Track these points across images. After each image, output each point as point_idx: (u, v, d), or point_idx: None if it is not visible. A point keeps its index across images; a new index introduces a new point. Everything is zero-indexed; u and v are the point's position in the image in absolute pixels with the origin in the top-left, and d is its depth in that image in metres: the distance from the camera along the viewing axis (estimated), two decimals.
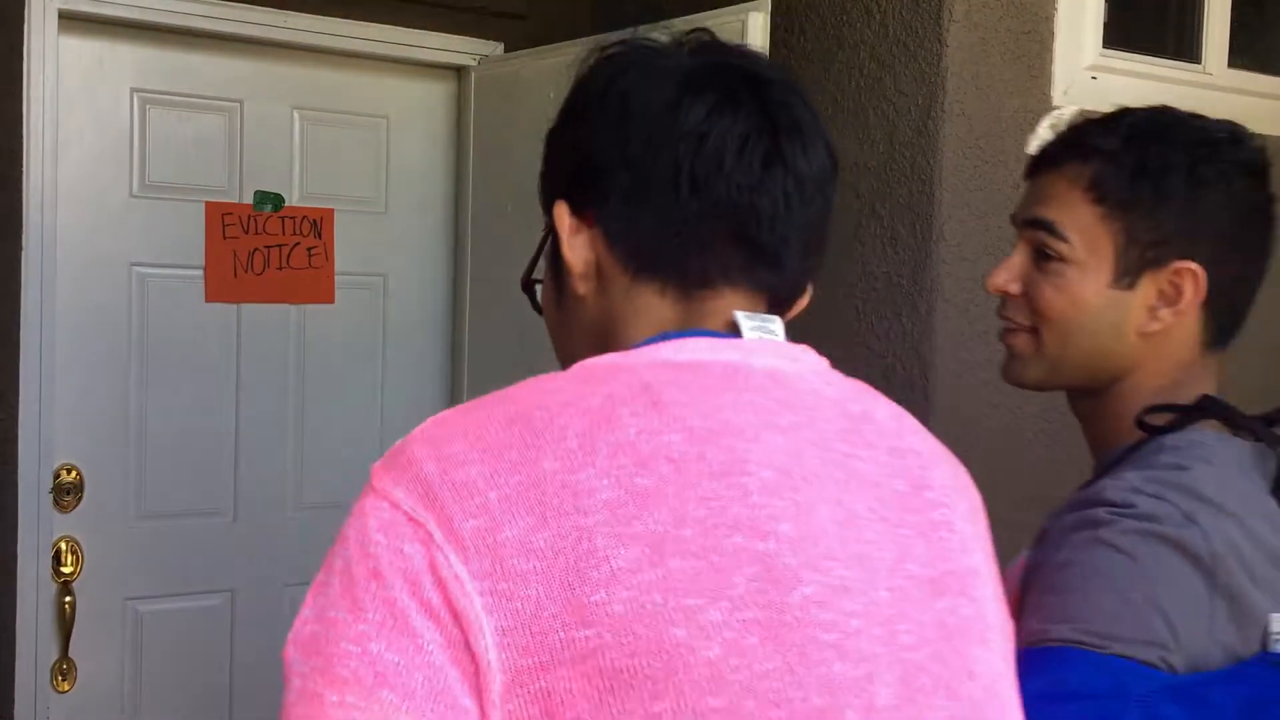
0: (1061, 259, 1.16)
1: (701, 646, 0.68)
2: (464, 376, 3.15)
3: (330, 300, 3.04)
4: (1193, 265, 1.11)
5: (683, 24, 2.49)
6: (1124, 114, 1.18)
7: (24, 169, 2.56)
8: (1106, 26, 2.44)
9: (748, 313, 0.85)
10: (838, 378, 0.89)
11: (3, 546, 2.54)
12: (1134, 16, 2.62)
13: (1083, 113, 1.23)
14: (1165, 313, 1.13)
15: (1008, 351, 1.24)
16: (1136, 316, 1.14)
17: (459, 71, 3.15)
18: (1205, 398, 1.14)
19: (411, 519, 0.69)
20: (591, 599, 0.67)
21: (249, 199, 2.93)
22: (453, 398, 3.14)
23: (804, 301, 0.93)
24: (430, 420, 0.76)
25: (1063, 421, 2.39)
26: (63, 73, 2.66)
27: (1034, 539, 1.11)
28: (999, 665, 0.83)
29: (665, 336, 0.84)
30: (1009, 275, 1.23)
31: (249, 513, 2.92)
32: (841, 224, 2.42)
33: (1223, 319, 1.16)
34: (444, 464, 0.71)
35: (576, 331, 0.93)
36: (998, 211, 2.30)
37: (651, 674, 0.67)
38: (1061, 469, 2.40)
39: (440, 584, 0.67)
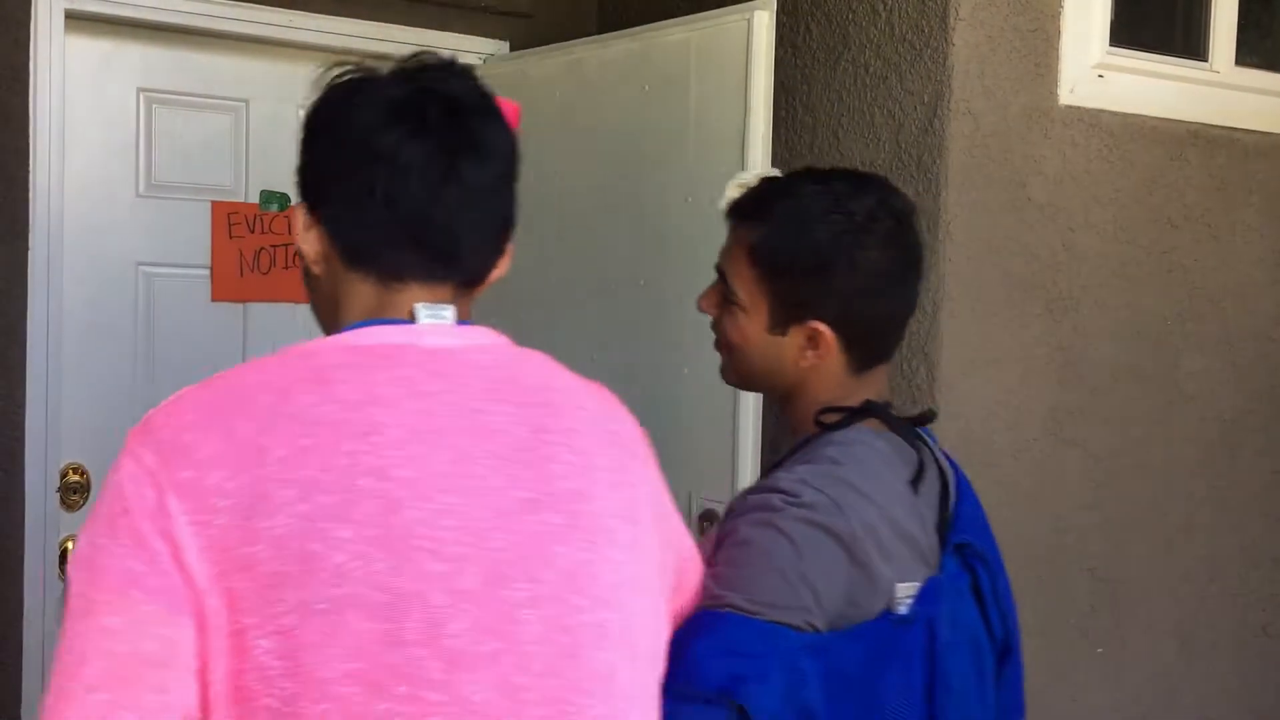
0: (734, 303, 1.41)
1: (332, 555, 0.96)
2: None
3: None
4: (820, 326, 1.36)
5: (687, 23, 2.49)
6: (788, 195, 1.39)
7: (31, 168, 2.56)
8: (1113, 24, 2.43)
9: (425, 303, 1.11)
10: (500, 350, 1.14)
11: (10, 546, 2.55)
12: (1141, 14, 2.61)
13: (762, 177, 1.45)
14: (810, 354, 1.38)
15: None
16: (791, 354, 1.39)
17: None
18: (867, 402, 1.39)
19: (149, 472, 0.98)
20: (260, 526, 0.96)
21: (255, 198, 2.93)
22: None
23: (497, 274, 1.18)
24: (173, 395, 1.04)
25: (1068, 421, 2.40)
26: (69, 72, 2.66)
27: (724, 512, 1.36)
28: (584, 556, 1.06)
29: (358, 325, 1.10)
30: (708, 303, 1.46)
31: None
32: None
33: (863, 353, 1.39)
34: (174, 431, 0.99)
35: (320, 305, 1.17)
36: (1004, 211, 2.29)
37: (296, 574, 0.95)
38: (1065, 467, 2.40)
39: (166, 517, 0.96)
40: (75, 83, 2.70)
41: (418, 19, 3.02)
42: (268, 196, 2.95)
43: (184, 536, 0.96)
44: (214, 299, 2.87)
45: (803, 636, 1.23)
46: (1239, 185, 2.60)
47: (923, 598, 1.31)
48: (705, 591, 1.26)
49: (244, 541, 0.96)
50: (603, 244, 2.73)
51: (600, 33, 2.97)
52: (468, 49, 3.10)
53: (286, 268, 2.98)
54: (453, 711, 0.97)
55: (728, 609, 1.24)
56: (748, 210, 1.42)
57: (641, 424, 1.32)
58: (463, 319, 1.14)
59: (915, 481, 1.36)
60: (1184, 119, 2.50)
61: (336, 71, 1.16)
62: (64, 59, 2.62)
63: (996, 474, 2.32)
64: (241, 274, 2.91)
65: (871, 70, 2.37)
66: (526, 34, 3.13)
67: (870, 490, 1.31)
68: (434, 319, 1.11)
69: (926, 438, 1.42)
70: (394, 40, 3.01)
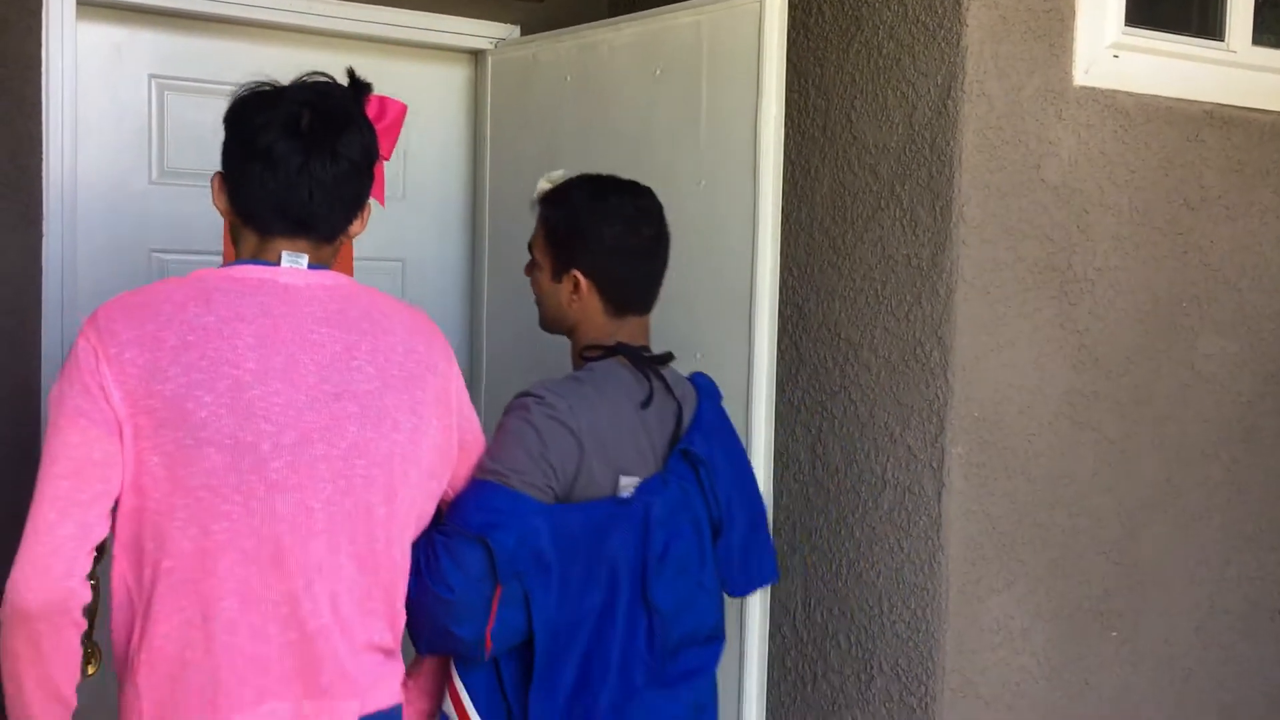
0: (536, 266, 2.00)
1: (199, 411, 1.52)
2: (483, 355, 3.15)
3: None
4: (579, 274, 1.93)
5: (698, 7, 2.46)
6: (567, 187, 2.00)
7: (44, 155, 2.56)
8: (1128, 4, 2.40)
9: (288, 252, 1.64)
10: (339, 289, 1.66)
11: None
12: None
13: (564, 176, 2.03)
14: (575, 297, 1.94)
15: None
16: (565, 298, 1.95)
17: (476, 55, 3.15)
18: (618, 343, 1.94)
19: (91, 346, 1.54)
20: (155, 388, 1.52)
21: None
22: (472, 374, 3.15)
23: (355, 230, 1.72)
24: (113, 298, 1.59)
25: (1085, 404, 2.39)
26: (81, 60, 2.67)
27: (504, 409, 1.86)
28: (369, 434, 1.61)
29: (241, 262, 1.65)
30: (526, 269, 2.05)
31: None
32: (859, 206, 2.41)
33: (615, 300, 1.95)
34: (110, 322, 1.55)
35: (227, 241, 1.75)
36: (1018, 193, 2.28)
37: (175, 420, 1.51)
38: (1081, 451, 2.39)
39: (100, 374, 1.52)
40: (87, 71, 2.70)
41: (429, 3, 3.01)
42: None
43: (110, 387, 1.52)
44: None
45: (539, 504, 1.77)
46: (1256, 166, 2.58)
47: (643, 487, 1.86)
48: (479, 463, 1.81)
49: (145, 396, 1.52)
50: None
51: (612, 15, 2.96)
52: (479, 33, 3.09)
53: None
54: (265, 515, 1.55)
55: (489, 476, 1.78)
56: (547, 198, 2.01)
57: None
58: (319, 262, 1.67)
59: (646, 403, 1.91)
60: (1200, 99, 2.48)
61: (255, 84, 1.68)
62: (76, 47, 2.62)
63: (1011, 458, 2.31)
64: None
65: (884, 52, 2.36)
66: (538, 18, 3.12)
67: (600, 403, 1.86)
68: (292, 263, 1.64)
69: (666, 375, 1.97)
70: (407, 25, 3.01)
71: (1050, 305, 2.34)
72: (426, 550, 1.74)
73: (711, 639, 1.96)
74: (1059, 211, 2.32)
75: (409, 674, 1.84)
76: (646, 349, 1.98)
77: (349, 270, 3.09)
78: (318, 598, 1.58)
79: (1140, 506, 2.49)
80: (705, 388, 2.06)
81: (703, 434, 1.96)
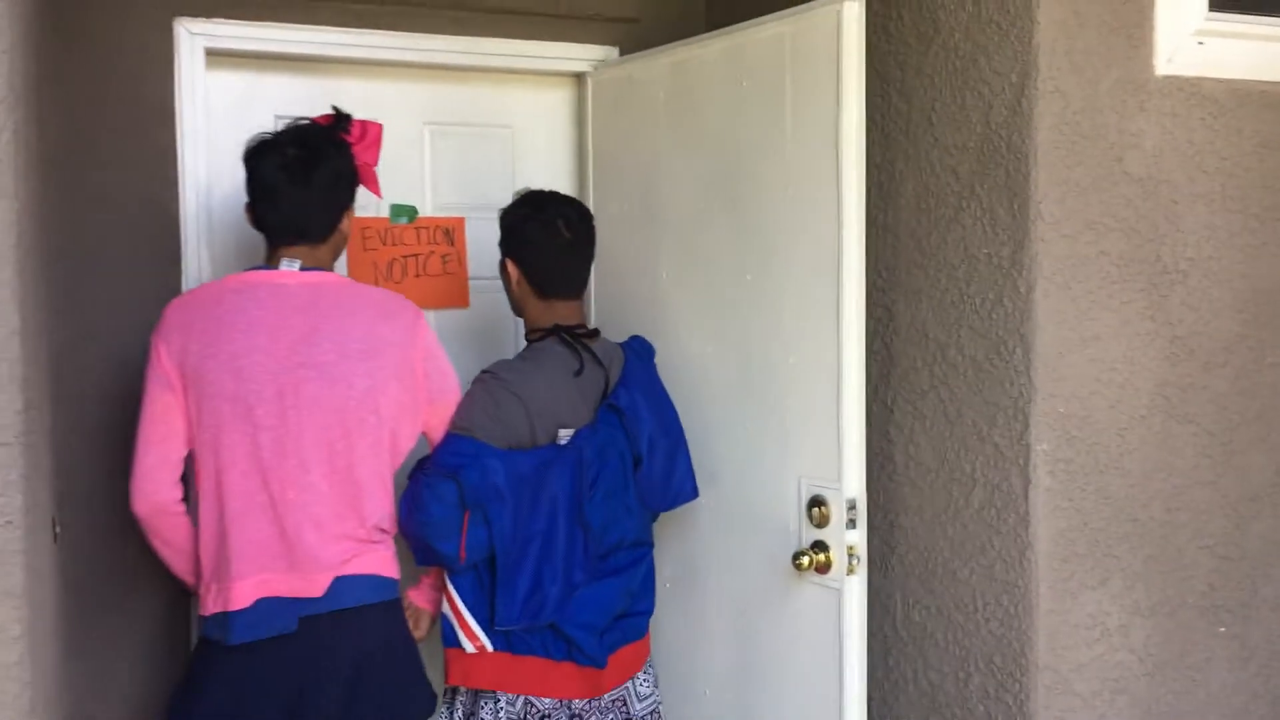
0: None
1: (208, 374, 2.22)
2: None
3: (465, 304, 3.20)
4: (509, 262, 2.59)
5: (780, 18, 2.51)
6: (518, 197, 2.65)
7: (180, 197, 2.79)
8: None
9: (286, 258, 2.33)
10: (320, 284, 2.33)
11: None
12: None
13: (525, 190, 2.67)
14: (514, 284, 2.59)
15: None
16: (509, 285, 2.61)
17: (578, 78, 3.27)
18: (555, 325, 2.55)
19: (155, 336, 2.28)
20: (187, 359, 2.23)
21: (386, 213, 3.11)
22: None
23: (345, 227, 2.43)
24: (174, 299, 2.35)
25: (1180, 397, 2.36)
26: (212, 105, 2.89)
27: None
28: (325, 393, 2.26)
29: (255, 268, 2.36)
30: (500, 268, 2.65)
31: None
32: (942, 207, 2.43)
33: (540, 285, 2.56)
34: (164, 316, 2.29)
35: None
36: (1099, 187, 2.27)
37: (197, 382, 2.23)
38: (1179, 444, 2.36)
39: (159, 352, 2.26)
40: (218, 114, 2.91)
41: (532, 31, 3.14)
42: (397, 210, 3.13)
43: (167, 364, 2.24)
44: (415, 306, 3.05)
45: (495, 450, 2.38)
46: None
47: (577, 436, 2.47)
48: (451, 420, 2.42)
49: (182, 366, 2.24)
50: (710, 240, 2.80)
51: (709, 29, 3.03)
52: (580, 56, 3.21)
53: (418, 276, 3.15)
54: (253, 446, 2.23)
55: (457, 430, 2.41)
56: (508, 205, 2.64)
57: (750, 414, 2.69)
58: (317, 260, 2.36)
59: (578, 374, 2.50)
60: None
61: (259, 135, 2.40)
62: (206, 94, 2.85)
63: (1102, 453, 2.30)
64: (377, 284, 3.09)
65: (961, 53, 2.38)
66: (636, 38, 3.21)
67: (538, 374, 2.47)
68: (287, 267, 2.32)
69: (595, 347, 2.57)
70: (511, 54, 3.14)
71: (1139, 298, 2.31)
72: (413, 488, 2.37)
73: (637, 545, 2.58)
74: (1144, 203, 2.30)
75: (421, 577, 2.57)
76: (581, 326, 2.58)
77: (463, 295, 3.30)
78: (292, 504, 2.24)
79: (1247, 499, 2.44)
80: (636, 349, 2.69)
81: (626, 388, 2.56)
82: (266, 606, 2.24)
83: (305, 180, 2.31)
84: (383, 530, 2.35)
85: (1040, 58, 2.21)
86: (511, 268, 2.57)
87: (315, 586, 2.26)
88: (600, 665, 2.48)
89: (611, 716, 2.62)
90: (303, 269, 2.32)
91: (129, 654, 2.73)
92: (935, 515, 2.47)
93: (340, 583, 2.28)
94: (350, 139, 2.47)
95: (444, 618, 2.48)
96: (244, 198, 2.63)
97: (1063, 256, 2.24)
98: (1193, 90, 2.33)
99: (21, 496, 1.61)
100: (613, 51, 3.22)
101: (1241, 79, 2.37)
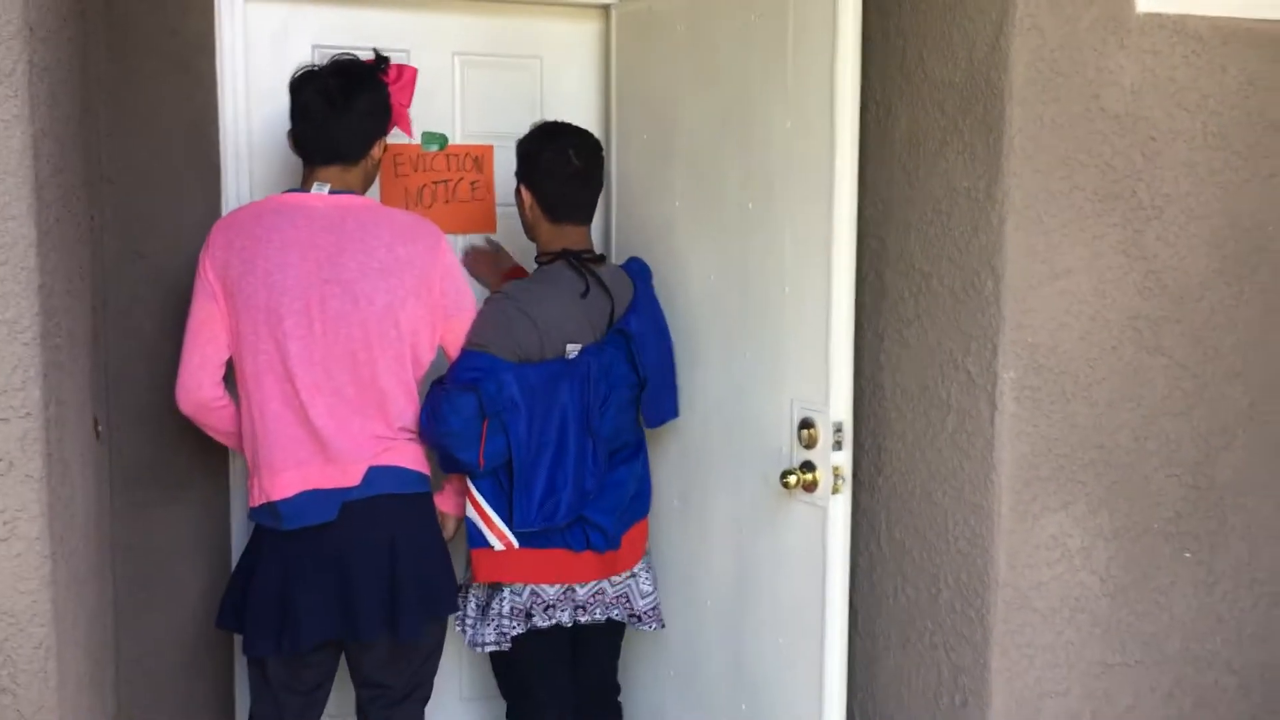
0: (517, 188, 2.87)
1: (245, 287, 2.48)
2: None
3: (493, 229, 3.35)
4: (523, 187, 2.82)
5: None
6: (534, 127, 2.88)
7: (220, 123, 2.98)
8: None
9: (318, 180, 2.58)
10: (349, 204, 2.57)
11: None
12: None
13: (572, 119, 2.91)
14: (527, 207, 2.82)
15: None
16: (522, 208, 2.85)
17: (605, 10, 3.37)
18: (563, 249, 2.78)
19: (203, 253, 2.55)
20: (229, 273, 2.49)
21: (417, 140, 3.26)
22: None
23: (376, 153, 2.68)
24: (219, 219, 2.65)
25: (1153, 329, 2.43)
26: (251, 36, 3.05)
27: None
28: (347, 307, 2.49)
29: (292, 190, 2.62)
30: (516, 194, 2.89)
31: None
32: (929, 142, 2.51)
33: (551, 211, 2.79)
34: (211, 234, 2.56)
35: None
36: (1075, 124, 2.33)
37: (235, 292, 2.49)
38: (1150, 375, 2.43)
39: (204, 266, 2.53)
40: (257, 45, 3.08)
41: None
42: (428, 137, 3.28)
43: (209, 272, 2.51)
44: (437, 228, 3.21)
45: (509, 364, 2.61)
46: None
47: (584, 352, 2.71)
48: (467, 337, 2.64)
49: (223, 278, 2.48)
50: (719, 170, 2.90)
51: None
52: None
53: (448, 202, 3.31)
54: (283, 352, 2.47)
55: (473, 346, 2.63)
56: (523, 136, 2.86)
57: (748, 339, 2.82)
58: (347, 183, 2.59)
59: (584, 294, 2.72)
60: None
61: (304, 66, 2.65)
62: (245, 24, 3.01)
63: (1070, 382, 2.38)
64: (408, 208, 3.25)
65: None
66: None
67: (547, 295, 2.70)
68: (318, 189, 2.56)
69: (601, 271, 2.80)
70: None
71: (1113, 233, 2.37)
72: (431, 401, 2.59)
73: (636, 446, 2.90)
74: (1121, 140, 2.35)
75: (445, 482, 2.77)
76: (589, 251, 2.82)
77: (491, 220, 3.45)
78: (318, 405, 2.49)
79: (1218, 431, 2.50)
80: (638, 271, 2.92)
81: (637, 314, 2.80)
82: (309, 497, 2.49)
83: (342, 105, 2.54)
84: (410, 431, 2.60)
85: None
86: (525, 193, 2.79)
87: (350, 476, 2.51)
88: (616, 546, 2.78)
89: (616, 611, 2.86)
90: (332, 191, 2.54)
91: (179, 547, 2.98)
92: (915, 439, 2.58)
93: (374, 471, 2.53)
94: (387, 80, 2.69)
95: (469, 520, 2.71)
96: (281, 125, 2.83)
97: (1035, 191, 2.31)
98: (1176, 27, 2.36)
99: (40, 391, 1.82)
100: None
101: (1227, 16, 2.39)
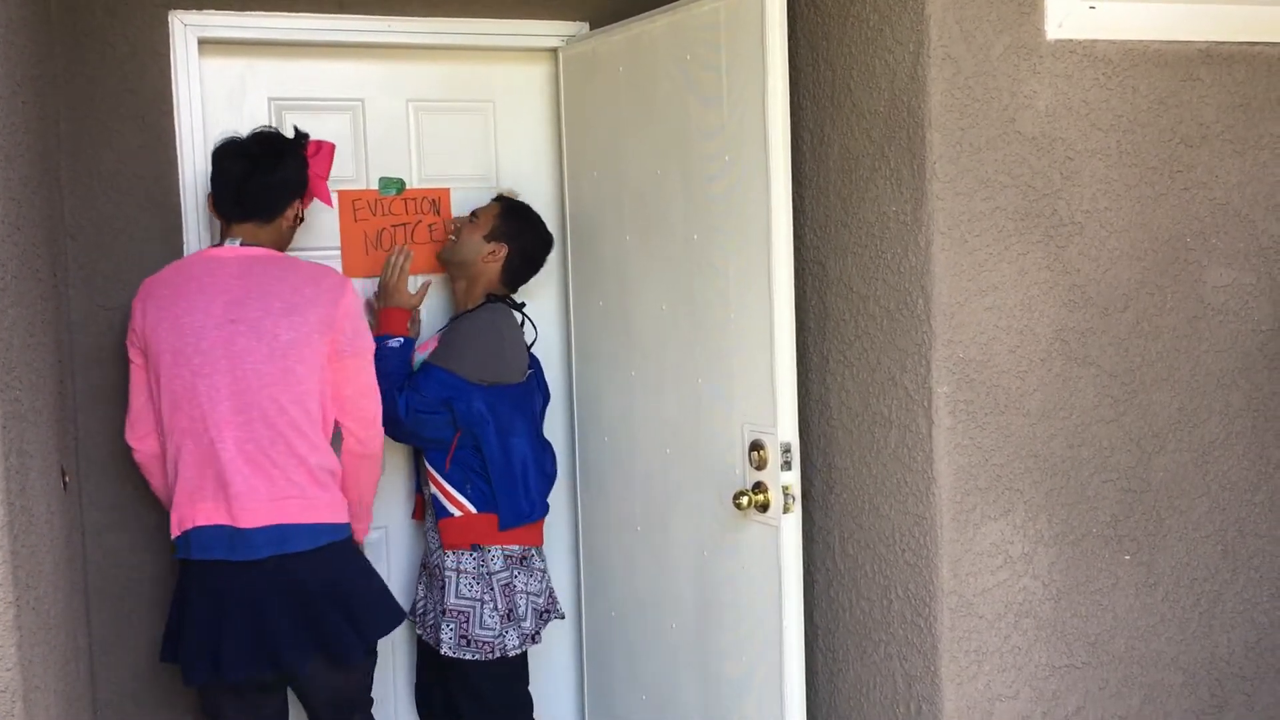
0: (475, 222, 3.25)
1: (157, 333, 2.65)
2: (570, 324, 3.49)
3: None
4: (506, 248, 3.19)
5: None
6: (528, 209, 3.27)
7: (180, 176, 3.06)
8: None
9: (230, 236, 2.78)
10: (256, 257, 2.74)
11: None
12: None
13: (511, 191, 3.33)
14: (489, 258, 3.19)
15: None
16: (483, 253, 3.20)
17: (554, 53, 3.47)
18: (507, 295, 3.24)
19: (132, 306, 2.75)
20: (146, 325, 2.67)
21: (375, 185, 3.36)
22: (566, 343, 3.50)
23: (289, 216, 2.87)
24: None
25: (1080, 341, 2.52)
26: (208, 89, 3.15)
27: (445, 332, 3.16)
28: (252, 345, 2.62)
29: (212, 245, 2.86)
30: (457, 221, 3.33)
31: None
32: (860, 169, 2.61)
33: (509, 277, 3.23)
34: (139, 290, 2.76)
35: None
36: (993, 147, 2.43)
37: (149, 339, 2.66)
38: (1079, 385, 2.52)
39: (132, 323, 2.73)
40: (215, 98, 3.18)
41: (509, 9, 3.34)
42: (386, 182, 3.37)
43: (135, 327, 2.70)
44: (345, 275, 3.31)
45: (473, 385, 3.02)
46: (1263, 99, 2.60)
47: (533, 374, 3.20)
48: (434, 354, 3.05)
49: (143, 329, 2.67)
50: (665, 205, 3.00)
51: (667, 1, 3.20)
52: (552, 33, 3.41)
53: (405, 244, 3.39)
54: (192, 391, 2.60)
55: (447, 366, 3.02)
56: (514, 203, 3.26)
57: (700, 366, 2.93)
58: (259, 238, 2.78)
59: (521, 325, 3.18)
60: (1193, 39, 2.54)
61: (227, 135, 2.86)
62: (201, 80, 3.11)
63: (1003, 395, 2.47)
64: (367, 252, 3.35)
65: (870, 24, 2.54)
66: (608, 12, 3.38)
67: (512, 325, 3.12)
68: (231, 244, 2.75)
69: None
70: (488, 33, 3.36)
71: (1036, 249, 2.47)
72: (412, 416, 2.97)
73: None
74: (1039, 161, 2.45)
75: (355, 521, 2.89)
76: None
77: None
78: (226, 442, 2.61)
79: (1150, 435, 2.59)
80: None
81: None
82: (214, 531, 2.61)
83: (261, 167, 2.76)
84: (324, 471, 2.69)
85: (931, 28, 2.36)
86: (502, 252, 3.18)
87: (254, 516, 2.60)
88: (546, 513, 3.24)
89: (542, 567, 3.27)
90: (243, 244, 2.74)
91: (153, 593, 3.04)
92: (862, 456, 2.67)
93: (288, 530, 2.62)
94: (306, 153, 2.88)
95: (434, 497, 3.10)
96: None
97: (957, 213, 2.40)
98: (1085, 52, 2.47)
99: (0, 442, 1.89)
100: (584, 27, 3.41)
101: (1135, 39, 2.50)
